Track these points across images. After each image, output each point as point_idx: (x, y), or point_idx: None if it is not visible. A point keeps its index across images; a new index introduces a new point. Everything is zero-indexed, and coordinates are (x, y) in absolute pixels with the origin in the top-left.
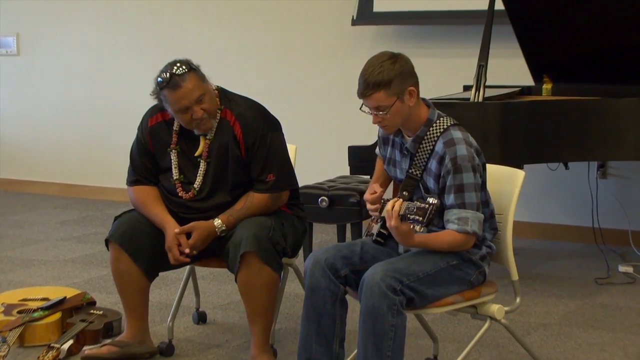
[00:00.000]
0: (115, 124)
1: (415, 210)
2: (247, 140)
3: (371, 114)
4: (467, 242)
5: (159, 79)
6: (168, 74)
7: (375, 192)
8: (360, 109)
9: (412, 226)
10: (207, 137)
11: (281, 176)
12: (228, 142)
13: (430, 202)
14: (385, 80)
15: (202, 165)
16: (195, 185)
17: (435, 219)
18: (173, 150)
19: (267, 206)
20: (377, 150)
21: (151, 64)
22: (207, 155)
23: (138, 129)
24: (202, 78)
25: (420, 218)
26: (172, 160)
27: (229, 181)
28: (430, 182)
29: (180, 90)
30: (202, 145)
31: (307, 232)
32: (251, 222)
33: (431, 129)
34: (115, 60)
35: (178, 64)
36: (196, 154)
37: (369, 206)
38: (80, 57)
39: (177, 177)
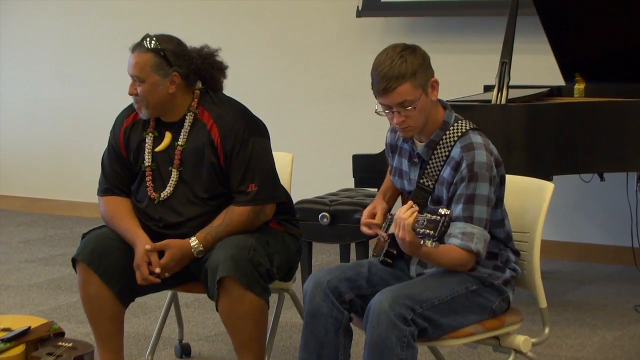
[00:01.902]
0: (86, 130)
1: (425, 223)
2: (225, 146)
3: (392, 112)
4: (468, 262)
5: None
6: (142, 38)
7: (375, 213)
8: (375, 111)
9: (422, 241)
10: (179, 143)
11: (264, 187)
12: (204, 148)
13: (442, 213)
14: (411, 70)
15: (174, 174)
16: (162, 194)
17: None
18: (149, 134)
19: (248, 221)
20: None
21: (127, 60)
22: (179, 163)
23: (110, 132)
24: (155, 67)
25: (432, 232)
26: (146, 144)
27: (204, 192)
28: (442, 192)
29: (131, 56)
30: (165, 142)
31: (301, 252)
32: (229, 242)
33: (447, 132)
34: (87, 56)
35: (155, 40)
36: (157, 149)
37: (363, 229)
38: (46, 53)
39: (149, 164)
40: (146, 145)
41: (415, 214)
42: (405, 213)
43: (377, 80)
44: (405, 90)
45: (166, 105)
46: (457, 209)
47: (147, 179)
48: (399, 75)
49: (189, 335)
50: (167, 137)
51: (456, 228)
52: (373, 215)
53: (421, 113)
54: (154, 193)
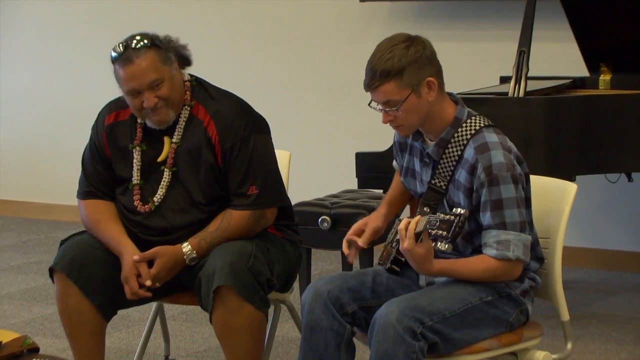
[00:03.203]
0: (64, 125)
1: (437, 223)
2: (224, 144)
3: (381, 110)
4: (510, 271)
5: (112, 51)
6: (123, 45)
7: (362, 231)
8: (369, 104)
9: (433, 243)
10: (173, 141)
11: (266, 189)
12: (201, 147)
13: (457, 212)
14: (396, 68)
15: (166, 175)
16: (155, 199)
17: (462, 240)
18: (136, 148)
19: (248, 227)
20: (394, 162)
21: (110, 49)
22: (172, 162)
23: (92, 128)
24: (164, 60)
25: (445, 232)
26: (134, 160)
27: (201, 196)
28: (459, 197)
29: (131, 67)
30: (166, 149)
31: (302, 260)
32: (227, 248)
33: (459, 130)
34: (65, 43)
35: (139, 37)
36: (159, 159)
37: (343, 245)
38: (20, 39)
39: (138, 181)
40: (134, 160)
41: (418, 218)
42: (408, 223)
43: (366, 73)
44: (388, 90)
45: (182, 98)
46: (486, 218)
47: (136, 197)
48: (383, 72)
49: (176, 351)
50: (167, 142)
51: (490, 237)
52: (360, 233)
53: (409, 114)
54: (143, 207)
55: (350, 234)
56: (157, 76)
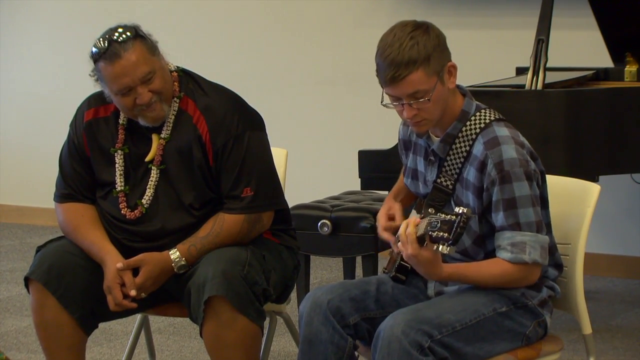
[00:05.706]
0: (40, 121)
1: (438, 224)
2: (215, 142)
3: (402, 105)
4: (526, 276)
5: (94, 47)
6: (106, 40)
7: (392, 215)
8: (382, 103)
9: (435, 247)
10: (162, 137)
11: (261, 191)
12: (191, 145)
13: (458, 212)
14: (423, 54)
15: (154, 173)
16: (143, 201)
17: (473, 245)
18: (118, 152)
19: (242, 232)
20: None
21: (90, 41)
22: (160, 160)
23: (70, 125)
24: (151, 50)
25: (446, 234)
26: (117, 165)
27: (191, 198)
28: (468, 197)
29: (120, 63)
30: (154, 147)
31: (300, 268)
32: (219, 255)
33: (467, 124)
34: (36, 37)
35: (121, 30)
36: (147, 159)
37: (384, 235)
38: None
39: (122, 188)
40: (117, 165)
41: (418, 220)
42: (408, 227)
43: (383, 67)
44: (417, 79)
45: (172, 90)
46: (499, 218)
47: (122, 205)
48: (410, 60)
49: None
50: (155, 140)
51: (504, 239)
52: (391, 218)
53: (437, 104)
54: (131, 213)
55: (386, 223)
56: (148, 69)
